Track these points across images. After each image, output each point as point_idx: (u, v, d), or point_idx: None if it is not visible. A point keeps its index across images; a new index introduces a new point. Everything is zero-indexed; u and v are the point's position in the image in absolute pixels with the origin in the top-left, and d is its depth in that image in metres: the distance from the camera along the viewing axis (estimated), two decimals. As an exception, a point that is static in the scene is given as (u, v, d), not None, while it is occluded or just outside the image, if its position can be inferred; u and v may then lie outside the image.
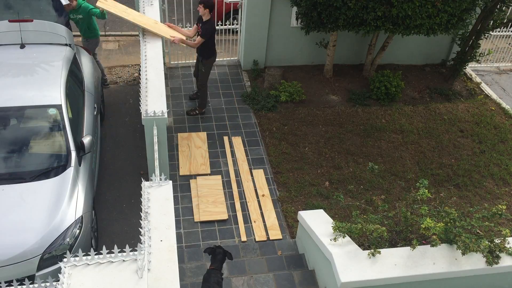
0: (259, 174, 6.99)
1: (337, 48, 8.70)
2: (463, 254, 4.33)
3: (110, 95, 8.47)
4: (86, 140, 5.64)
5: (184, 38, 7.36)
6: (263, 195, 6.66)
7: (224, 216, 6.33)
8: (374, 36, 8.53)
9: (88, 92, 6.72)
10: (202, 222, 6.26)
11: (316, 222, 5.07)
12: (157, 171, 4.48)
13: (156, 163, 4.74)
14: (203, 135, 7.53)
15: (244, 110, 8.16)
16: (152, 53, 6.07)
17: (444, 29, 7.62)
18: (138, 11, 7.30)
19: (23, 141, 5.53)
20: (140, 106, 5.25)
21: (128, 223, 6.27)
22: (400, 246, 4.69)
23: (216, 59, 9.18)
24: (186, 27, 8.64)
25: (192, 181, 6.78)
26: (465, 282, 4.56)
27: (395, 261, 4.37)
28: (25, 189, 5.13)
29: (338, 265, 4.32)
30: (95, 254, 3.09)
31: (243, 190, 6.75)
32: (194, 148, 7.28)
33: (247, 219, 6.35)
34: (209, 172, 6.98)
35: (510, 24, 9.62)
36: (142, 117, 5.10)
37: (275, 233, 6.17)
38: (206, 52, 7.53)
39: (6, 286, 4.45)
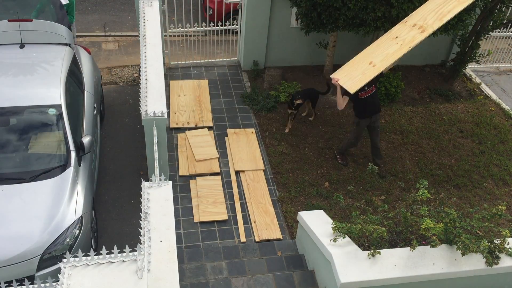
0: (259, 174, 6.99)
1: (337, 48, 8.70)
2: (463, 254, 4.33)
3: (110, 95, 8.47)
4: (86, 140, 5.64)
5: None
6: (263, 196, 6.66)
7: (224, 217, 6.33)
8: (374, 36, 8.53)
9: (88, 92, 6.72)
10: (202, 223, 6.26)
11: (316, 222, 5.07)
12: (157, 172, 4.48)
13: (156, 163, 4.73)
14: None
15: (244, 110, 8.16)
16: (152, 53, 6.06)
17: (444, 30, 7.62)
18: (138, 11, 7.29)
19: (23, 141, 5.52)
20: (140, 106, 5.25)
21: (127, 224, 6.27)
22: (400, 247, 4.69)
23: (216, 60, 9.29)
24: (186, 27, 8.66)
25: (191, 182, 6.78)
26: (465, 282, 4.56)
27: (395, 261, 4.37)
28: (24, 189, 5.13)
29: (337, 266, 4.32)
30: (95, 255, 3.09)
31: (243, 190, 6.75)
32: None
33: (247, 220, 6.35)
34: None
35: (510, 24, 9.63)
36: (142, 117, 5.10)
37: (275, 234, 6.17)
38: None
39: (6, 286, 4.45)
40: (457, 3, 5.59)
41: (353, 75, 5.81)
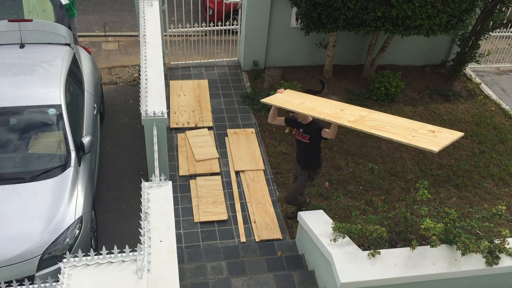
0: (259, 174, 6.99)
1: (337, 48, 8.70)
2: (463, 254, 4.34)
3: (110, 95, 8.47)
4: (86, 140, 5.64)
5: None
6: (263, 196, 6.66)
7: (224, 217, 6.33)
8: (374, 36, 8.53)
9: (88, 92, 6.72)
10: (201, 223, 6.26)
11: (316, 222, 5.07)
12: (157, 172, 4.48)
13: (156, 163, 4.73)
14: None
15: (244, 110, 8.16)
16: (152, 53, 6.06)
17: (444, 30, 7.62)
18: (138, 11, 7.28)
19: (23, 141, 5.52)
20: (140, 106, 5.25)
21: (127, 224, 6.27)
22: (400, 247, 4.69)
23: (216, 60, 9.29)
24: (185, 27, 8.66)
25: (191, 182, 6.78)
26: (465, 282, 4.56)
27: (395, 261, 4.37)
28: (24, 189, 5.12)
29: (337, 266, 4.32)
30: (95, 255, 3.09)
31: (243, 190, 6.75)
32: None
33: (246, 220, 6.35)
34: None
35: (509, 24, 9.63)
36: (142, 117, 5.10)
37: (275, 234, 6.16)
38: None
39: (6, 286, 4.45)
40: (402, 133, 4.61)
41: (285, 98, 5.66)
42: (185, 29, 8.65)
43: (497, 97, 9.24)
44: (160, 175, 4.30)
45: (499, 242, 4.50)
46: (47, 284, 3.12)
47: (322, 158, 5.81)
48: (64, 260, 3.05)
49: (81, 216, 5.16)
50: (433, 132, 4.60)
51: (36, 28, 6.49)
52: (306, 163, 5.72)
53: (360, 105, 8.34)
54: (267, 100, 5.70)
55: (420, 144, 4.38)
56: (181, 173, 6.89)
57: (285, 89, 5.90)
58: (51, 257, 4.85)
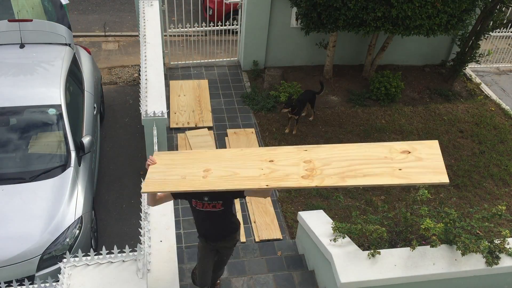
0: (259, 174, 6.98)
1: (337, 48, 8.70)
2: (463, 254, 4.33)
3: (110, 95, 8.47)
4: (86, 140, 5.64)
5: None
6: (262, 196, 6.66)
7: (224, 217, 6.31)
8: (374, 36, 8.53)
9: (87, 92, 6.72)
10: (201, 223, 6.25)
11: (316, 222, 5.07)
12: (157, 172, 4.47)
13: (156, 163, 4.72)
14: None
15: (244, 110, 8.16)
16: (152, 53, 6.07)
17: (444, 30, 7.62)
18: (138, 11, 7.27)
19: (23, 141, 5.52)
20: (140, 106, 5.25)
21: (128, 224, 6.27)
22: (400, 247, 4.69)
23: (216, 60, 9.28)
24: (185, 27, 8.66)
25: (191, 182, 6.77)
26: (465, 282, 4.56)
27: (395, 261, 4.37)
28: (24, 189, 5.12)
29: (338, 266, 4.31)
30: (95, 255, 3.09)
31: (243, 190, 6.74)
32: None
33: (246, 220, 6.35)
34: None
35: (509, 24, 9.63)
36: (142, 117, 5.10)
37: (275, 234, 6.16)
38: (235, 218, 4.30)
39: (6, 286, 4.45)
40: (386, 170, 3.38)
41: (173, 171, 3.55)
42: (185, 29, 8.66)
43: (497, 97, 9.25)
44: (160, 175, 4.29)
45: (499, 242, 4.50)
46: (47, 284, 3.12)
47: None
48: (64, 260, 3.05)
49: (81, 216, 5.16)
50: (409, 152, 3.49)
51: (36, 28, 6.50)
52: (224, 233, 4.23)
53: (360, 105, 8.39)
54: (147, 188, 3.42)
55: (422, 180, 3.32)
56: (181, 173, 6.88)
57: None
58: (51, 257, 4.85)
